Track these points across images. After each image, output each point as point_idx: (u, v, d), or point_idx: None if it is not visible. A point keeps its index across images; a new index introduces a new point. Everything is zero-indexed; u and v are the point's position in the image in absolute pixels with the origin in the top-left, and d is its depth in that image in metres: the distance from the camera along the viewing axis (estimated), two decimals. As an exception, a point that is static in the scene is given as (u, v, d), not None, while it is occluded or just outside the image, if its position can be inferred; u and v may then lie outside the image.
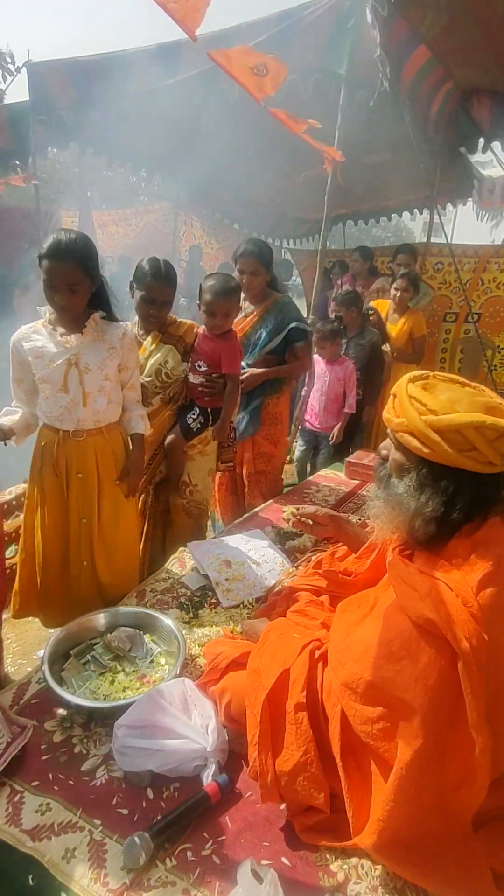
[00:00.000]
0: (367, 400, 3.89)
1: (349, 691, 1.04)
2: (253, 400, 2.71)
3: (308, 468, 3.71)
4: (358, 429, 3.95)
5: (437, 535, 1.05)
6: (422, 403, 1.04)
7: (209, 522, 2.71)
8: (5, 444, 1.81)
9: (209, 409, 2.34)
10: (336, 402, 3.53)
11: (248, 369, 2.62)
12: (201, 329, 2.33)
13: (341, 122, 3.38)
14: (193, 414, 2.31)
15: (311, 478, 3.12)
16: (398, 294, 4.02)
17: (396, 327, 4.06)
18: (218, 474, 2.78)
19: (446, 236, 5.01)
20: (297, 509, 1.65)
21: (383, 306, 4.19)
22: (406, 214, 7.90)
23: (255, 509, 2.55)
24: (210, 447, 2.41)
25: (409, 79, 3.24)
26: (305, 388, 3.58)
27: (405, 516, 1.08)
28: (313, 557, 1.98)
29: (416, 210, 7.53)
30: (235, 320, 2.58)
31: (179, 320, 2.32)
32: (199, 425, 2.32)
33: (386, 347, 3.95)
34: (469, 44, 3.04)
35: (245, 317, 2.70)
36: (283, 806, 1.14)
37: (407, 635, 0.98)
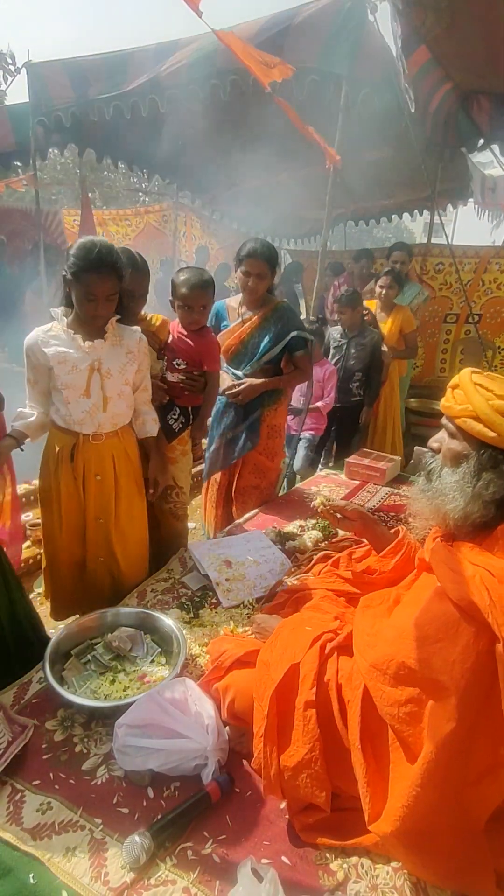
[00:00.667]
0: (367, 401, 3.85)
1: (378, 672, 1.04)
2: (252, 412, 2.57)
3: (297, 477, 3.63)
4: (356, 430, 3.92)
5: (492, 519, 1.09)
6: (488, 389, 1.09)
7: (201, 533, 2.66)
8: (21, 450, 1.82)
9: (189, 408, 2.30)
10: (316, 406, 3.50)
11: (246, 380, 2.50)
12: (175, 326, 2.26)
13: (342, 122, 3.38)
14: (174, 414, 2.26)
15: (302, 484, 3.04)
16: (383, 292, 3.97)
17: (386, 326, 4.03)
18: (208, 488, 2.72)
19: (447, 237, 5.01)
20: (329, 500, 1.65)
21: (370, 306, 4.14)
22: (406, 216, 7.91)
23: (239, 521, 2.47)
24: (188, 445, 2.37)
25: (411, 76, 3.23)
26: (304, 398, 3.42)
27: (460, 503, 1.11)
28: (315, 556, 1.99)
29: (416, 211, 7.54)
30: (232, 326, 2.54)
31: (151, 315, 2.23)
32: (180, 425, 2.28)
33: (384, 347, 3.94)
34: (469, 48, 3.04)
35: (242, 322, 2.54)
36: (283, 804, 1.15)
37: (446, 618, 0.98)
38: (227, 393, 2.50)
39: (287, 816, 1.14)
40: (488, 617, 0.92)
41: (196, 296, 2.15)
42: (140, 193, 8.96)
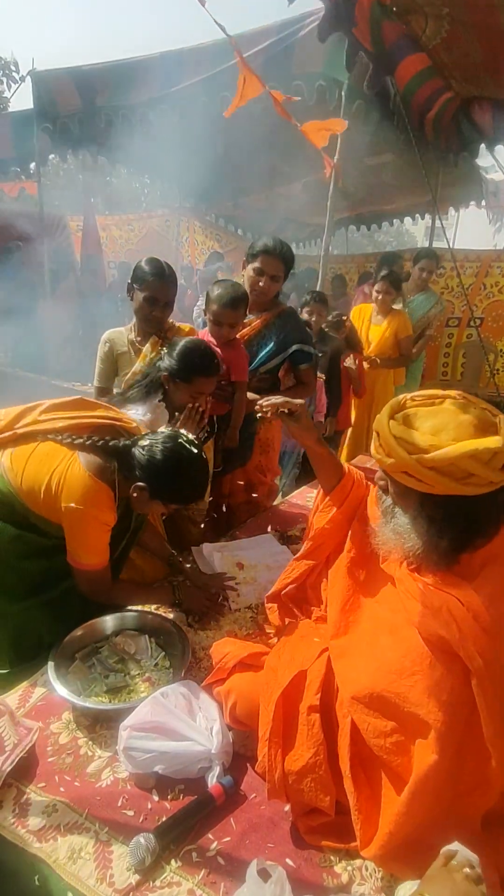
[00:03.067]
0: (330, 410, 3.60)
1: (361, 705, 1.04)
2: (247, 428, 2.42)
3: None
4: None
5: (447, 558, 1.04)
6: (408, 443, 1.01)
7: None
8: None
9: (214, 417, 2.29)
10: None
11: (255, 396, 2.33)
12: (204, 336, 2.25)
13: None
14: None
15: (296, 493, 2.90)
16: (379, 297, 3.84)
17: (380, 330, 3.90)
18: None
19: (447, 241, 5.01)
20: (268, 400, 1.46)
21: (366, 310, 4.04)
22: (408, 219, 7.94)
23: (234, 530, 2.36)
24: (210, 453, 2.33)
25: (404, 82, 3.22)
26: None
27: (417, 544, 1.06)
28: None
29: (417, 215, 7.57)
30: None
31: (178, 324, 2.26)
32: (206, 434, 2.26)
33: (350, 362, 3.70)
34: (469, 59, 3.05)
35: (242, 326, 2.39)
36: (287, 807, 1.15)
37: (418, 651, 0.98)
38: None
39: (291, 819, 1.14)
40: (459, 651, 0.92)
41: (227, 313, 2.17)
42: (142, 200, 9.01)
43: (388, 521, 1.12)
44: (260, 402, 1.46)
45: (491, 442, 0.96)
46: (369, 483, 1.44)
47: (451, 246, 4.61)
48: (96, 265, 7.40)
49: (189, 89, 3.99)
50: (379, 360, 3.85)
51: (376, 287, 3.89)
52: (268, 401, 1.44)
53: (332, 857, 1.08)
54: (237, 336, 2.42)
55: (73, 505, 1.44)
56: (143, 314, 2.12)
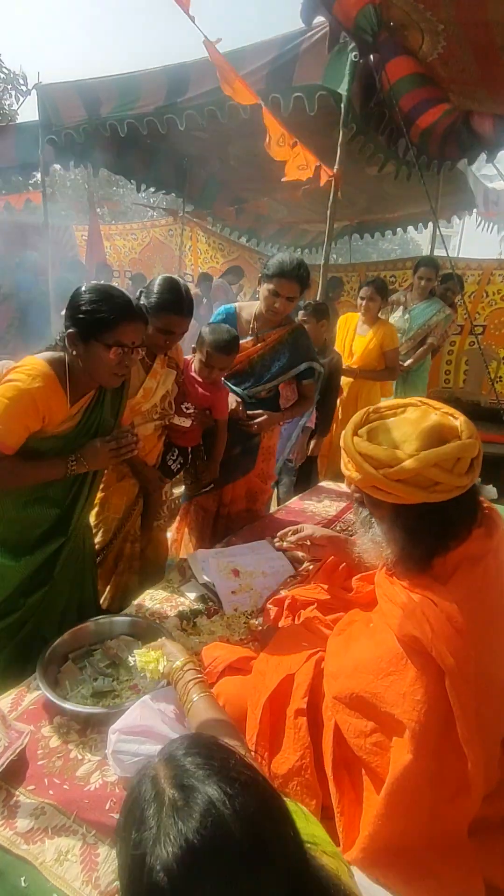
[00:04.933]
0: (321, 429, 3.47)
1: (341, 705, 1.05)
2: (251, 436, 2.46)
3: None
4: (311, 459, 3.56)
5: (422, 563, 1.06)
6: (373, 458, 1.03)
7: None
8: None
9: (189, 448, 2.32)
10: (294, 425, 3.33)
11: (264, 411, 2.37)
12: (188, 365, 2.25)
13: (342, 138, 3.46)
14: (172, 455, 2.28)
15: (295, 499, 2.89)
16: (364, 303, 3.69)
17: (364, 341, 3.75)
18: (189, 514, 2.57)
19: (446, 250, 5.04)
20: (293, 533, 1.62)
21: (352, 319, 3.90)
22: (411, 228, 7.98)
23: (230, 536, 2.38)
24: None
25: (388, 85, 3.22)
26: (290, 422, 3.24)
27: (394, 551, 1.08)
28: (311, 567, 1.99)
29: (420, 224, 7.61)
30: (241, 342, 2.36)
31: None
32: (179, 465, 2.31)
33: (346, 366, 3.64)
34: (467, 75, 3.09)
35: (255, 340, 2.39)
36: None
37: (394, 652, 0.99)
38: (243, 423, 2.37)
39: (278, 824, 1.14)
40: (432, 651, 0.93)
41: (220, 359, 2.18)
42: (149, 210, 9.10)
43: (366, 532, 1.15)
44: (288, 539, 1.62)
45: (451, 449, 0.98)
46: None
47: (449, 254, 4.62)
48: (108, 276, 7.47)
49: (193, 101, 4.06)
50: (359, 371, 3.71)
51: (361, 293, 3.74)
52: (295, 535, 1.62)
53: (317, 862, 1.08)
54: (247, 352, 2.43)
55: (9, 377, 1.46)
56: (156, 342, 1.98)
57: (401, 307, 4.40)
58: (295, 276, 2.20)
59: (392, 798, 0.93)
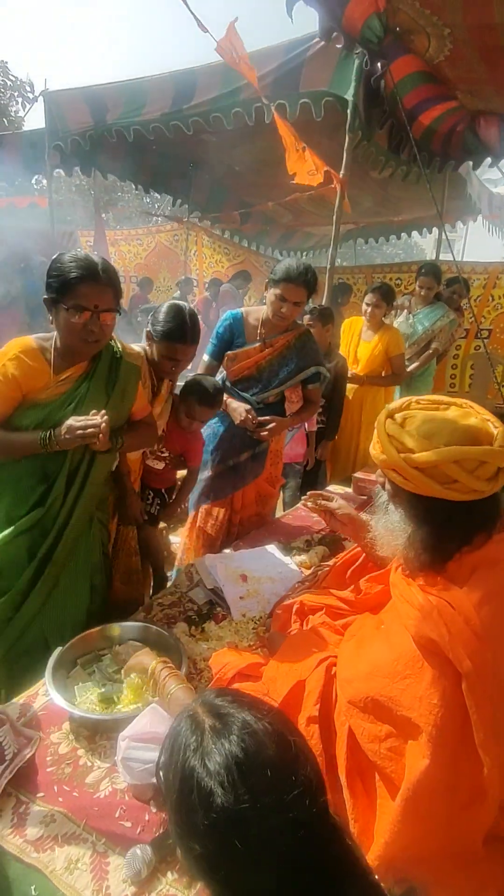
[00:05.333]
0: (328, 433, 3.48)
1: (356, 709, 1.04)
2: (260, 442, 2.45)
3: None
4: (318, 463, 3.58)
5: (432, 562, 1.04)
6: (399, 441, 1.03)
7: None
8: None
9: (163, 490, 2.33)
10: (302, 429, 3.32)
11: (274, 417, 2.36)
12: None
13: (348, 143, 3.47)
14: (148, 498, 2.29)
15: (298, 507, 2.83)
16: (369, 310, 3.68)
17: (369, 347, 3.74)
18: (196, 522, 2.55)
19: (453, 254, 5.03)
20: (324, 499, 1.63)
21: (356, 324, 3.89)
22: (415, 232, 7.99)
23: (237, 541, 2.38)
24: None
25: (393, 83, 3.22)
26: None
27: (402, 543, 1.08)
28: (320, 573, 1.98)
29: (425, 229, 7.62)
30: (248, 348, 2.40)
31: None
32: (158, 507, 2.33)
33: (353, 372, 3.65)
34: (474, 76, 3.09)
35: (263, 346, 2.37)
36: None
37: (410, 655, 0.97)
38: (254, 431, 2.35)
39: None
40: (449, 653, 0.91)
41: (202, 411, 2.16)
42: (155, 216, 9.14)
43: (381, 517, 1.15)
44: (316, 499, 1.64)
45: (477, 451, 0.97)
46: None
47: (457, 258, 4.60)
48: (147, 289, 7.52)
49: (199, 107, 4.09)
50: (365, 377, 3.71)
51: (366, 299, 3.73)
52: (322, 500, 1.64)
53: (329, 873, 1.07)
54: (255, 358, 2.42)
55: None
56: (162, 368, 1.99)
57: (405, 311, 4.37)
58: (302, 282, 2.20)
59: (408, 804, 0.92)
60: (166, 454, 2.25)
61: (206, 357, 2.50)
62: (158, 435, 2.06)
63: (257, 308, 2.46)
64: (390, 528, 1.10)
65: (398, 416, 1.09)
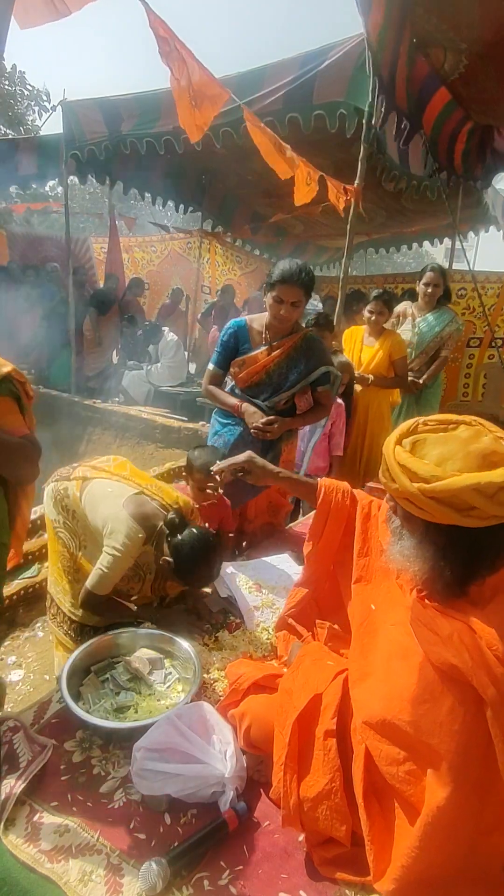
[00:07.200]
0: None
1: (373, 731, 1.02)
2: (271, 449, 2.41)
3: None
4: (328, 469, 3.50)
5: (454, 588, 1.01)
6: (411, 471, 0.98)
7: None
8: None
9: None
10: (323, 441, 3.27)
11: (278, 417, 2.33)
12: (185, 492, 2.16)
13: (363, 154, 3.48)
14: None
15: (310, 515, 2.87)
16: (371, 317, 3.67)
17: (372, 351, 3.73)
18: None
19: (468, 262, 5.01)
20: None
21: (358, 332, 3.87)
22: (426, 242, 7.98)
23: (250, 550, 2.38)
24: None
25: (430, 124, 3.27)
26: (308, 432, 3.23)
27: (421, 570, 1.03)
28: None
29: (436, 239, 7.60)
30: (255, 353, 2.36)
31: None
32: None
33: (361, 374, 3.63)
34: (487, 95, 3.10)
35: (269, 350, 2.35)
36: (301, 837, 1.12)
37: (429, 679, 0.95)
38: (257, 430, 2.32)
39: (305, 849, 1.11)
40: (472, 680, 0.88)
41: (211, 480, 2.03)
42: (168, 224, 9.20)
43: (395, 542, 1.10)
44: (212, 468, 1.67)
45: (496, 476, 0.92)
46: (356, 494, 1.49)
47: (471, 268, 4.58)
48: (137, 290, 7.50)
49: (219, 123, 4.10)
50: (371, 378, 3.68)
51: (368, 308, 3.71)
52: (219, 466, 1.65)
53: (346, 891, 1.05)
54: (262, 363, 2.37)
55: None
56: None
57: (408, 319, 4.26)
58: (297, 281, 2.18)
59: (428, 830, 0.89)
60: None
61: (211, 366, 2.47)
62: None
63: (261, 315, 2.44)
64: (406, 554, 1.06)
65: (407, 443, 1.04)
